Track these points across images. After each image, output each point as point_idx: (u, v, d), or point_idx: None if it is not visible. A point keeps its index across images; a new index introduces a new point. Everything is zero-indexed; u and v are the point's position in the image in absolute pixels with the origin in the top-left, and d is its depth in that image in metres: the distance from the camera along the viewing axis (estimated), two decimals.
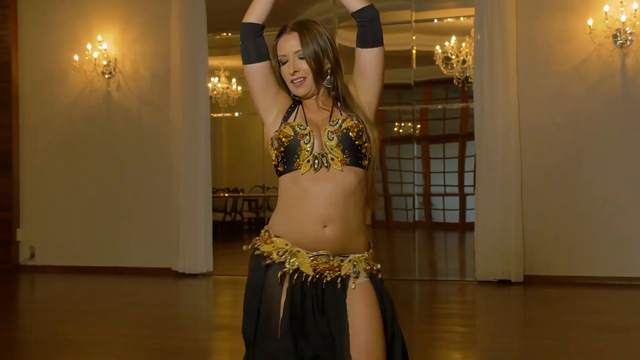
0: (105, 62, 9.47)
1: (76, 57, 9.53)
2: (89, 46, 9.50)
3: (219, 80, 12.01)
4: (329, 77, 2.65)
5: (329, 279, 2.57)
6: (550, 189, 8.17)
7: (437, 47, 9.74)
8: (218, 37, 9.97)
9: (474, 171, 8.51)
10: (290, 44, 2.63)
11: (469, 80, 9.50)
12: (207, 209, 9.23)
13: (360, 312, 2.56)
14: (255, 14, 2.70)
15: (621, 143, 7.98)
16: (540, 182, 8.17)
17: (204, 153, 9.17)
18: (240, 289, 8.71)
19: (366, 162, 2.59)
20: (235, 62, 12.24)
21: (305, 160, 2.56)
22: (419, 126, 10.29)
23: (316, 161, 2.55)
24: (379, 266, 2.69)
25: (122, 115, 9.53)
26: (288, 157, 2.58)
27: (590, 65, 8.07)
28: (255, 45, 2.65)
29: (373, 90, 2.66)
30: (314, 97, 2.66)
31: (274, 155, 2.62)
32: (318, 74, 2.62)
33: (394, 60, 9.93)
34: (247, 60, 2.65)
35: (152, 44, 9.48)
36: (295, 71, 2.60)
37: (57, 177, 9.77)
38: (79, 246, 9.64)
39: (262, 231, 2.70)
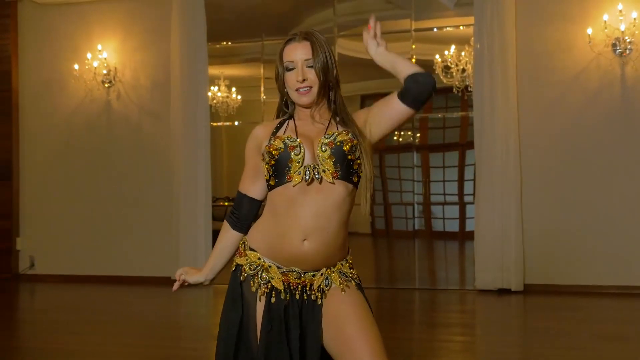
0: (105, 71, 9.48)
1: (76, 66, 9.55)
2: (89, 55, 9.51)
3: (219, 89, 12.01)
4: (330, 91, 2.65)
5: (303, 295, 2.59)
6: (550, 197, 8.17)
7: (437, 56, 9.74)
8: (218, 46, 9.98)
9: (474, 180, 8.51)
10: (300, 52, 2.62)
11: (469, 89, 9.51)
12: (206, 217, 9.23)
13: (346, 311, 2.56)
14: (233, 247, 2.81)
15: (621, 151, 7.98)
16: (540, 190, 8.17)
17: (203, 162, 9.17)
18: None
19: (356, 179, 2.58)
20: (235, 71, 12.25)
21: (296, 172, 2.55)
22: (418, 135, 10.29)
23: (307, 172, 2.54)
24: (351, 275, 2.67)
25: (122, 124, 9.54)
26: (279, 170, 2.57)
27: (589, 74, 8.08)
28: (252, 215, 2.80)
29: (380, 130, 2.64)
30: (311, 109, 2.65)
31: (266, 170, 2.62)
32: (324, 86, 2.62)
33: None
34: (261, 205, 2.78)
35: (152, 53, 9.49)
36: (304, 79, 2.59)
37: (57, 186, 9.77)
38: (79, 255, 9.63)
39: (240, 243, 2.73)
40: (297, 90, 2.61)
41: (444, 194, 11.12)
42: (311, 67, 2.60)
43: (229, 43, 10.31)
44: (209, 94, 10.03)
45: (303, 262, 2.57)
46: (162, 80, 9.37)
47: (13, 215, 9.88)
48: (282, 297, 2.59)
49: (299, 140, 2.57)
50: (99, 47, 9.53)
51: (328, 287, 2.59)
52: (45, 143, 9.82)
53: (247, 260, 2.65)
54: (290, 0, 10.47)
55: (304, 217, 2.53)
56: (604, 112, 8.03)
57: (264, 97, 10.13)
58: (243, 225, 2.75)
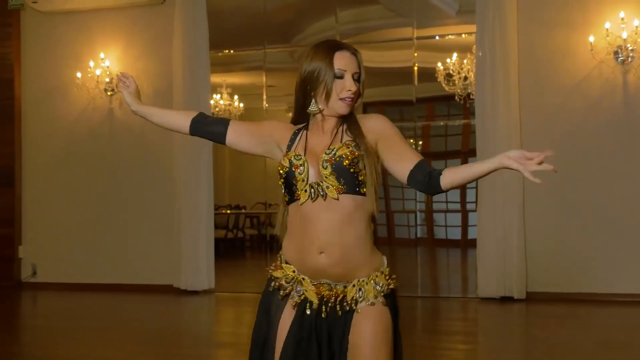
0: (107, 79, 9.49)
1: (78, 74, 9.56)
2: (91, 63, 9.53)
3: (221, 97, 12.03)
4: None
5: (333, 306, 2.57)
6: (552, 205, 8.16)
7: (439, 64, 9.76)
8: (220, 54, 9.99)
9: (476, 187, 8.51)
10: (352, 63, 2.60)
11: (471, 97, 9.51)
12: (209, 225, 9.23)
13: (365, 340, 2.54)
14: (172, 125, 2.82)
15: (623, 159, 7.98)
16: (542, 198, 8.16)
17: (206, 170, 9.18)
18: (242, 306, 8.73)
19: (364, 190, 2.56)
20: (238, 79, 12.27)
21: (303, 190, 2.56)
22: (420, 142, 10.30)
23: (312, 190, 2.54)
24: (390, 285, 2.63)
25: (125, 132, 9.54)
26: (289, 188, 2.60)
27: (591, 81, 8.08)
28: (209, 134, 2.76)
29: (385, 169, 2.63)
30: (319, 116, 2.64)
31: (280, 185, 2.64)
32: (357, 100, 2.63)
33: (396, 77, 9.97)
34: (219, 142, 2.76)
35: (154, 61, 9.50)
36: (352, 91, 2.58)
37: (59, 193, 9.78)
38: (81, 263, 9.63)
39: (278, 255, 2.72)
40: (343, 98, 2.59)
41: (446, 202, 11.12)
42: (356, 80, 2.60)
43: (231, 51, 10.33)
44: (211, 102, 10.05)
45: (325, 275, 2.57)
46: (164, 88, 9.38)
47: (15, 223, 9.88)
48: (320, 309, 2.58)
49: (304, 158, 2.57)
50: (102, 55, 9.54)
51: (362, 298, 2.57)
52: (48, 150, 9.83)
53: (283, 273, 2.66)
54: (292, 9, 10.49)
55: (316, 234, 2.54)
56: (606, 119, 8.03)
57: (266, 105, 10.14)
58: (197, 128, 2.76)
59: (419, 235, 9.97)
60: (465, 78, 9.71)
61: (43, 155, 9.86)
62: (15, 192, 9.86)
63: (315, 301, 2.58)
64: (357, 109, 2.67)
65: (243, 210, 13.04)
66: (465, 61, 9.69)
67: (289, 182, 2.58)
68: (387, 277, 2.62)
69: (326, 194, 2.54)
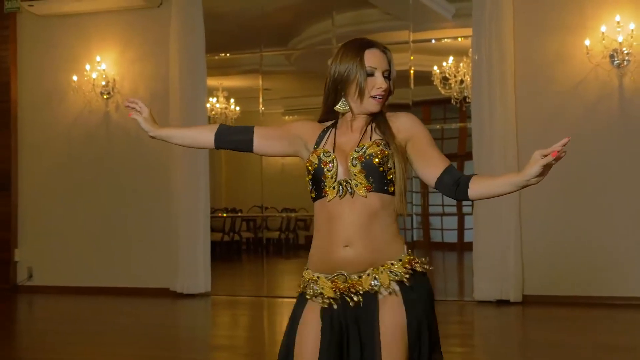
0: (104, 83, 9.49)
1: (75, 78, 9.56)
2: (87, 67, 9.53)
3: (218, 101, 12.03)
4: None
5: (355, 299, 2.55)
6: (548, 208, 8.16)
7: (435, 67, 9.78)
8: (217, 57, 10.00)
9: None
10: (382, 61, 2.60)
11: (467, 100, 9.53)
12: (205, 228, 9.23)
13: (384, 334, 2.52)
14: (196, 143, 2.83)
15: (619, 162, 7.99)
16: (539, 201, 8.17)
17: (202, 173, 9.18)
18: (239, 309, 8.74)
19: (392, 189, 2.55)
20: (234, 82, 12.27)
21: (331, 187, 2.55)
22: None
23: (340, 188, 2.54)
24: (415, 266, 2.57)
25: (121, 135, 9.54)
26: (316, 184, 2.59)
27: (587, 85, 8.09)
28: (234, 143, 2.74)
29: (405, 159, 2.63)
30: (349, 115, 2.63)
31: (307, 181, 2.63)
32: (388, 97, 2.64)
33: None
34: (246, 150, 2.73)
35: (151, 64, 9.50)
36: (384, 88, 2.58)
37: (56, 197, 9.77)
38: (78, 266, 9.61)
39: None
40: (374, 96, 2.58)
41: (443, 205, 11.14)
42: (387, 77, 2.60)
43: (228, 54, 10.33)
44: (208, 105, 10.05)
45: (347, 266, 2.55)
46: (160, 91, 9.38)
47: (12, 227, 9.87)
48: (339, 304, 2.56)
49: (333, 155, 2.57)
50: (98, 58, 9.54)
51: (378, 287, 2.54)
52: (44, 154, 9.82)
53: (303, 279, 2.67)
54: (289, 12, 10.51)
55: (342, 230, 2.53)
56: (602, 123, 8.04)
57: (263, 108, 10.15)
58: (222, 140, 2.73)
59: (415, 238, 9.98)
60: (462, 81, 9.73)
61: (39, 159, 9.85)
62: (11, 196, 9.85)
63: (332, 295, 2.56)
64: (386, 107, 2.67)
65: (239, 214, 13.05)
66: (461, 64, 9.71)
67: (317, 179, 2.58)
68: (407, 265, 2.57)
69: (354, 191, 2.53)
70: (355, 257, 2.54)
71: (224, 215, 12.78)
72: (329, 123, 2.70)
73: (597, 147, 8.04)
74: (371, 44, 2.62)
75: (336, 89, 2.62)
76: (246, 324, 8.22)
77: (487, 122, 8.23)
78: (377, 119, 2.62)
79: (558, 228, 8.13)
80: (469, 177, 2.50)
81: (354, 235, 2.52)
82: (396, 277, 2.54)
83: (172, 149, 9.15)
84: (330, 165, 2.56)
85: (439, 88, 9.78)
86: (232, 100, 12.14)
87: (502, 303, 8.11)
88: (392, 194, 2.56)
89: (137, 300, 9.01)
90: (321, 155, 2.58)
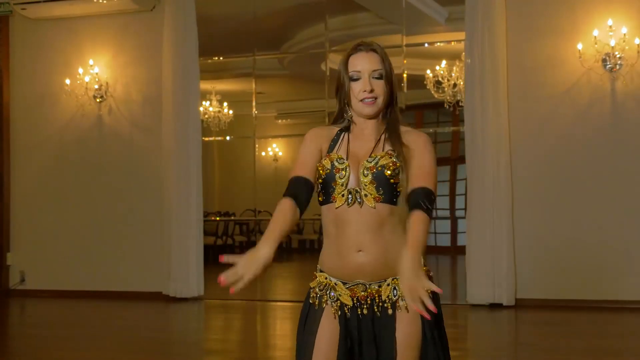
0: (96, 86, 9.47)
1: (68, 81, 9.54)
2: (80, 70, 9.51)
3: (211, 104, 12.04)
4: (388, 106, 2.64)
5: (373, 307, 2.56)
6: (541, 212, 8.18)
7: (428, 71, 9.79)
8: (210, 61, 10.00)
9: (465, 194, 8.52)
10: (368, 62, 2.58)
11: (460, 104, 9.55)
12: (198, 232, 9.22)
13: (399, 343, 2.54)
14: (292, 225, 2.60)
15: (611, 166, 8.00)
16: (532, 205, 8.18)
17: (195, 176, 9.17)
18: (232, 313, 8.71)
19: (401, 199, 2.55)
20: (227, 85, 12.28)
21: (340, 195, 2.54)
22: None
23: (350, 196, 2.53)
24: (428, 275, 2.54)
25: (114, 139, 9.52)
26: (326, 189, 2.57)
27: (580, 89, 8.11)
28: (308, 199, 2.60)
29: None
30: (370, 120, 2.63)
31: (317, 184, 2.60)
32: (389, 97, 2.61)
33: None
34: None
35: (143, 67, 9.49)
36: (370, 90, 2.56)
37: (48, 201, 9.74)
38: (70, 270, 9.59)
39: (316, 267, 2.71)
40: (362, 100, 2.58)
41: (436, 209, 11.12)
42: (378, 78, 2.57)
43: (221, 58, 10.33)
44: (201, 108, 10.04)
45: (364, 273, 2.55)
46: (153, 95, 9.36)
47: (4, 230, 9.84)
48: (357, 312, 2.57)
49: (346, 163, 2.56)
50: (91, 62, 9.52)
51: (397, 297, 2.56)
52: (37, 157, 9.80)
53: (317, 282, 2.65)
54: (281, 16, 10.52)
55: (352, 234, 2.52)
56: (595, 127, 8.06)
57: (256, 111, 10.15)
58: (301, 204, 2.57)
59: None
60: (455, 85, 9.75)
61: (31, 162, 9.82)
62: (3, 199, 9.82)
63: (350, 303, 2.57)
64: (403, 113, 2.64)
65: (232, 217, 13.05)
66: (454, 68, 9.73)
67: (327, 184, 2.56)
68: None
69: (363, 201, 2.52)
70: (370, 263, 2.54)
71: (217, 218, 12.78)
72: (342, 126, 2.68)
73: (590, 151, 8.06)
74: (357, 48, 2.62)
75: (339, 97, 2.65)
76: (239, 328, 8.21)
77: (479, 126, 8.24)
78: (390, 129, 2.61)
79: (550, 232, 8.14)
80: (414, 211, 2.45)
81: (365, 240, 2.52)
82: None
83: (165, 151, 9.14)
84: (343, 172, 2.55)
85: (432, 92, 9.80)
86: (225, 104, 12.14)
87: (495, 307, 8.12)
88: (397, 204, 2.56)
89: (130, 304, 8.99)
90: (335, 162, 2.57)
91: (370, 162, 2.54)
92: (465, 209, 8.52)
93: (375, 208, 2.52)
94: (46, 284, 9.67)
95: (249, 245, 13.25)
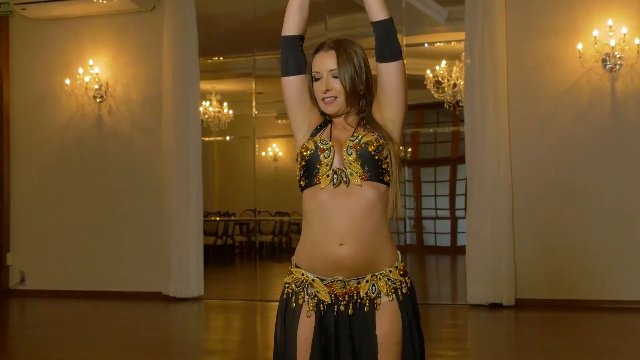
0: (96, 86, 9.47)
1: (68, 81, 9.54)
2: (80, 70, 9.51)
3: (211, 104, 12.03)
4: (360, 99, 2.64)
5: (347, 304, 2.56)
6: (541, 212, 8.18)
7: (428, 71, 9.78)
8: (210, 61, 9.99)
9: (465, 194, 8.52)
10: (326, 62, 2.61)
11: (460, 104, 9.54)
12: (198, 232, 9.22)
13: (380, 340, 2.55)
14: (291, 25, 2.70)
15: (611, 166, 8.01)
16: (531, 205, 8.19)
17: (195, 177, 9.17)
18: (232, 313, 8.72)
19: (388, 178, 2.55)
20: (227, 86, 12.27)
21: (325, 175, 2.53)
22: (410, 149, 10.32)
23: (335, 176, 2.53)
24: (407, 280, 2.62)
25: (114, 139, 9.52)
26: (309, 171, 2.56)
27: (580, 89, 8.11)
28: (294, 58, 2.67)
29: (397, 104, 2.62)
30: (342, 116, 2.65)
31: (298, 169, 2.60)
32: (351, 95, 2.60)
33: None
34: (285, 73, 2.68)
35: (143, 68, 9.49)
36: (327, 89, 2.59)
37: (48, 201, 9.75)
38: (70, 270, 9.59)
39: (291, 260, 2.70)
40: (322, 99, 2.61)
41: (436, 209, 11.15)
42: (335, 77, 2.59)
43: (221, 58, 10.33)
44: (201, 108, 10.04)
45: (344, 268, 2.54)
46: (153, 95, 9.37)
47: (4, 230, 9.84)
48: (334, 309, 2.56)
49: (330, 143, 2.56)
50: (91, 62, 9.53)
51: (375, 294, 2.56)
52: (37, 158, 9.80)
53: (293, 277, 2.63)
54: (281, 16, 10.46)
55: (337, 222, 2.51)
56: (595, 127, 8.06)
57: (256, 112, 10.15)
58: (295, 41, 2.71)
59: (408, 242, 9.98)
60: (455, 85, 9.74)
61: (32, 162, 9.83)
62: (3, 199, 9.82)
63: (328, 300, 2.56)
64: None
65: (232, 217, 13.04)
66: (454, 68, 9.72)
67: (311, 166, 2.55)
68: (402, 273, 2.61)
69: (349, 180, 2.52)
70: (351, 257, 2.52)
71: (217, 218, 12.77)
72: (324, 119, 2.70)
73: (589, 151, 8.07)
74: (319, 48, 2.66)
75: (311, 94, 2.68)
76: (239, 327, 8.21)
77: (479, 126, 8.25)
78: (367, 120, 2.63)
79: (550, 232, 8.15)
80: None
81: (349, 232, 2.51)
82: (394, 285, 2.58)
83: (165, 151, 9.14)
84: (328, 152, 2.55)
85: (432, 92, 9.78)
86: (225, 104, 12.12)
87: (495, 306, 8.12)
88: (387, 183, 2.55)
89: (130, 304, 8.99)
90: (318, 143, 2.57)
91: (354, 140, 2.55)
92: (465, 209, 8.52)
93: (362, 186, 2.52)
94: (46, 284, 9.67)
95: (250, 246, 13.24)
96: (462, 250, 8.75)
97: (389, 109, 2.62)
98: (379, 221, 2.55)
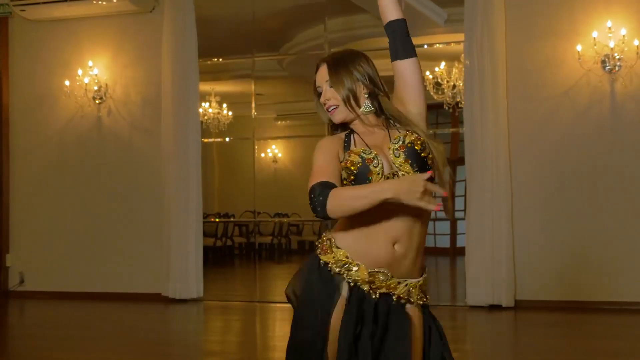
0: (96, 88, 9.47)
1: (67, 83, 9.54)
2: (79, 71, 9.51)
3: (210, 106, 12.04)
4: (367, 102, 2.65)
5: (386, 298, 2.58)
6: (540, 213, 8.18)
7: (428, 73, 9.79)
8: (209, 62, 9.99)
9: (465, 196, 8.52)
10: (321, 75, 2.70)
11: (460, 105, 9.55)
12: (197, 233, 9.21)
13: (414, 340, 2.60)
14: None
15: (610, 167, 8.01)
16: (531, 206, 8.19)
17: (194, 178, 9.17)
18: (231, 314, 8.69)
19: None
20: (226, 87, 12.28)
21: None
22: None
23: None
24: (427, 297, 2.71)
25: (113, 140, 9.52)
26: (359, 183, 2.54)
27: (579, 90, 8.11)
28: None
29: (419, 98, 2.68)
30: (356, 121, 2.67)
31: (346, 184, 2.57)
32: (350, 101, 2.64)
33: (384, 85, 10.01)
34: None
35: (143, 69, 9.49)
36: (327, 99, 2.67)
37: (47, 202, 9.74)
38: (69, 271, 9.59)
39: (324, 238, 2.66)
40: (327, 110, 2.69)
41: (435, 210, 11.11)
42: (331, 87, 2.67)
43: (220, 59, 10.33)
44: (200, 110, 10.04)
45: (393, 266, 2.56)
46: (152, 96, 9.37)
47: (3, 231, 9.84)
48: (372, 297, 2.56)
49: (374, 152, 2.56)
50: (90, 63, 9.53)
51: (405, 301, 2.60)
52: (36, 159, 9.80)
53: (334, 257, 2.59)
54: (281, 17, 10.52)
55: (392, 222, 2.52)
56: (594, 128, 8.06)
57: (255, 113, 10.15)
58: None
59: None
60: (454, 86, 9.75)
61: (31, 163, 9.82)
62: (2, 200, 9.82)
63: (366, 288, 2.55)
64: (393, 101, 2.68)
65: (232, 219, 13.05)
66: (453, 70, 9.73)
67: (362, 178, 2.53)
68: (427, 281, 2.70)
69: None
70: (403, 258, 2.56)
71: (217, 220, 12.78)
72: (343, 133, 2.72)
73: (589, 152, 8.07)
74: (318, 65, 2.74)
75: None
76: (238, 329, 8.21)
77: (479, 127, 8.25)
78: (396, 118, 2.65)
79: (550, 233, 8.15)
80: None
81: (402, 231, 2.54)
82: (423, 296, 2.67)
83: (164, 153, 9.14)
84: (375, 161, 2.55)
85: (432, 93, 9.80)
86: (224, 105, 12.14)
87: (494, 308, 8.12)
88: (433, 180, 2.53)
89: (129, 306, 8.99)
90: (362, 154, 2.56)
91: (397, 142, 2.57)
92: (464, 210, 8.52)
93: None
94: (45, 285, 9.66)
95: (249, 247, 13.26)
96: (461, 251, 8.75)
97: (413, 104, 2.68)
98: (422, 229, 2.61)
